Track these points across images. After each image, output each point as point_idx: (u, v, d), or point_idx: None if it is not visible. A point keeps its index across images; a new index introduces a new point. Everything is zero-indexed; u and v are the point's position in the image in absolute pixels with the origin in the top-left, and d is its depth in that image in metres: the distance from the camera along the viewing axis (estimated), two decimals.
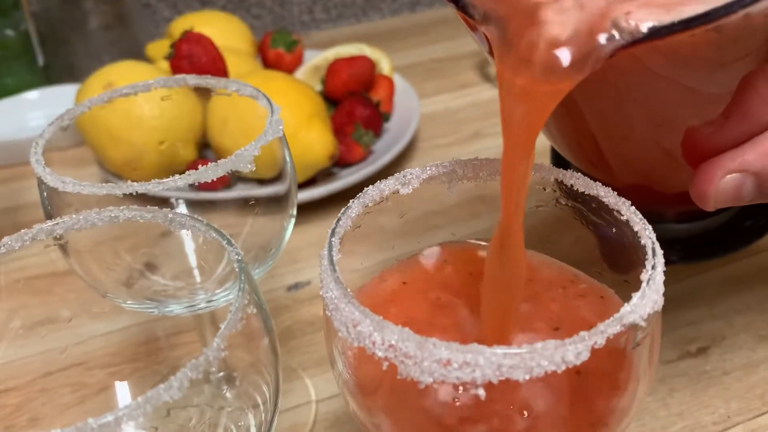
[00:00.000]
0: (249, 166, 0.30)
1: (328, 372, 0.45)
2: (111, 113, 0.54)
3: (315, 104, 0.57)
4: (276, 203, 0.35)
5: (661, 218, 0.39)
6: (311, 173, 0.58)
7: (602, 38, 0.22)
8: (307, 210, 0.57)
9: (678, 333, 0.45)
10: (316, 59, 0.70)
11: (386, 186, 0.27)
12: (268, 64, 0.69)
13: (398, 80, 0.69)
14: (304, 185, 0.58)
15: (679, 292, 0.47)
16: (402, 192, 0.28)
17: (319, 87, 0.66)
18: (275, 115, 0.33)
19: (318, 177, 0.59)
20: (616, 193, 0.26)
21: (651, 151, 0.31)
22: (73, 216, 0.26)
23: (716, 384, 0.41)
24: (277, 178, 0.34)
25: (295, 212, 0.36)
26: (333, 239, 0.25)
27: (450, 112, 0.71)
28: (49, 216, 0.33)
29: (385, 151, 0.61)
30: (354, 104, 0.61)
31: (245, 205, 0.35)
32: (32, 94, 0.69)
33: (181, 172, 0.57)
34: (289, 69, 0.69)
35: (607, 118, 0.30)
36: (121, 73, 0.56)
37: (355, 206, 0.26)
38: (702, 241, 0.41)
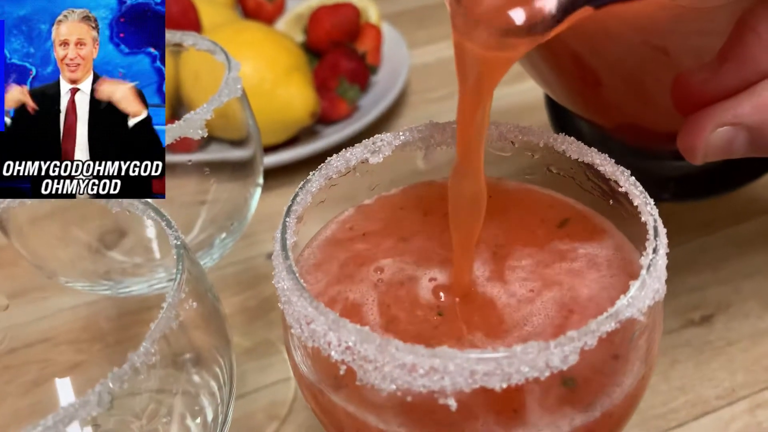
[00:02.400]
0: (200, 132, 0.27)
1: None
2: None
3: (294, 57, 0.54)
4: (240, 170, 0.32)
5: (657, 155, 0.37)
6: (292, 132, 0.55)
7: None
8: (289, 171, 0.53)
9: (680, 300, 0.42)
10: (298, 8, 0.66)
11: (353, 155, 0.24)
12: (247, 13, 0.65)
13: (386, 29, 0.65)
14: (284, 145, 0.55)
15: (682, 256, 0.44)
16: (372, 161, 0.24)
17: (301, 38, 0.62)
18: (233, 73, 0.29)
19: (300, 136, 0.55)
20: (614, 161, 0.23)
21: (642, 95, 0.28)
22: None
23: (720, 355, 0.39)
24: (239, 143, 0.31)
25: (261, 181, 0.33)
26: (288, 219, 0.22)
27: (442, 63, 0.66)
28: None
29: (372, 106, 0.57)
30: (338, 56, 0.57)
31: (207, 171, 0.32)
32: None
33: None
34: (270, 19, 0.65)
35: (601, 61, 0.27)
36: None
37: (315, 179, 0.23)
38: (697, 180, 0.39)
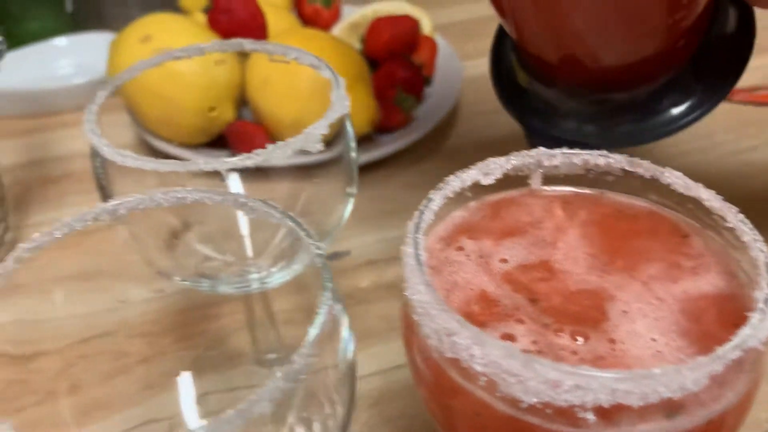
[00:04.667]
0: (317, 146, 0.28)
1: (371, 348, 0.44)
2: (150, 70, 0.52)
3: (358, 66, 0.55)
4: (334, 178, 0.33)
5: (593, 92, 0.39)
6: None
7: None
8: None
9: None
10: (353, 16, 0.68)
11: (468, 176, 0.26)
12: (304, 19, 0.66)
13: (439, 41, 0.66)
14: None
15: None
16: (483, 182, 0.26)
17: (357, 46, 0.63)
18: (341, 90, 0.31)
19: (358, 143, 0.57)
20: (722, 198, 0.24)
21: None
22: (139, 196, 0.25)
23: None
24: (335, 152, 0.33)
25: (354, 191, 0.34)
26: (417, 236, 0.23)
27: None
28: (101, 186, 0.31)
29: (426, 117, 0.59)
30: (395, 66, 0.59)
31: (302, 178, 0.33)
32: (61, 41, 0.67)
33: (220, 133, 0.56)
34: (326, 25, 0.67)
35: None
36: (159, 25, 0.53)
37: (437, 199, 0.25)
38: (625, 111, 0.39)
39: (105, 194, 0.31)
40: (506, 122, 0.62)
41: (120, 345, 0.44)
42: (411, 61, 0.60)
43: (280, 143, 0.28)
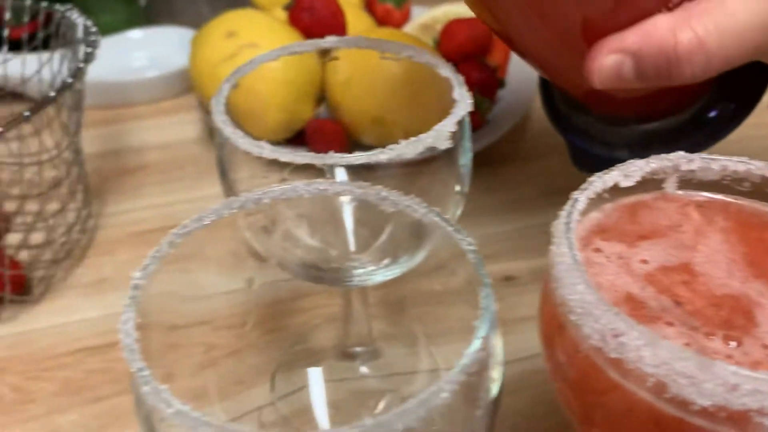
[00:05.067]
0: (446, 143, 0.28)
1: (455, 344, 0.44)
2: (233, 68, 0.53)
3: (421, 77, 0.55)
4: (443, 180, 0.33)
5: (624, 121, 0.41)
6: None
7: None
8: None
9: None
10: (423, 17, 0.68)
11: (610, 178, 0.26)
12: (376, 19, 0.67)
13: None
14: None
15: None
16: (623, 185, 0.26)
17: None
18: (463, 88, 0.31)
19: None
20: None
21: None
22: (282, 186, 0.25)
23: None
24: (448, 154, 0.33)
25: (464, 190, 0.34)
26: (570, 236, 0.23)
27: None
28: (225, 175, 0.32)
29: (499, 120, 0.59)
30: (470, 69, 0.59)
31: (409, 176, 0.33)
32: (135, 33, 0.67)
33: (300, 129, 0.56)
34: (397, 26, 0.67)
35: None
36: (242, 22, 0.54)
37: (582, 198, 0.25)
38: (657, 138, 0.41)
39: (228, 184, 0.31)
40: None
41: (208, 336, 0.45)
42: (486, 63, 0.60)
43: (412, 139, 0.28)
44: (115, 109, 0.65)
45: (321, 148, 0.51)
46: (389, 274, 0.33)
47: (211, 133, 0.61)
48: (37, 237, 0.49)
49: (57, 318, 0.47)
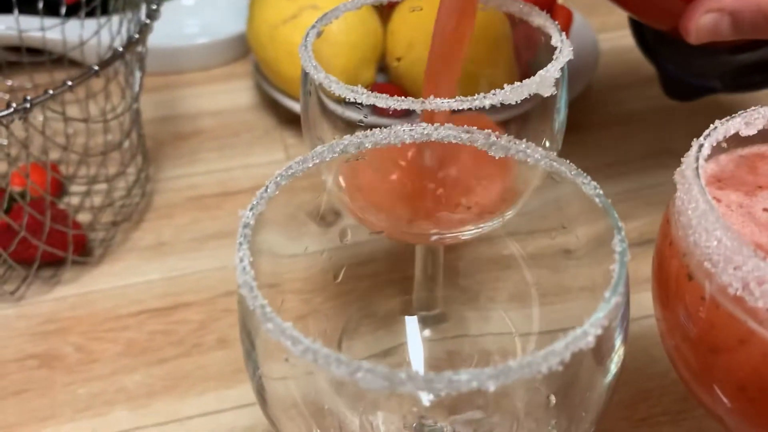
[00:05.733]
0: (551, 89, 0.27)
1: (524, 309, 0.43)
2: (293, 30, 0.52)
3: (502, 25, 0.53)
4: (536, 136, 0.32)
5: (715, 50, 0.41)
6: None
7: None
8: None
9: None
10: None
11: (732, 125, 0.24)
12: None
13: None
14: None
15: None
16: (743, 133, 0.24)
17: None
18: (563, 35, 0.30)
19: None
20: None
21: None
22: (384, 131, 0.24)
23: None
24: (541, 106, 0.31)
25: (558, 147, 0.33)
26: (699, 181, 0.22)
27: (619, 52, 0.66)
28: (310, 124, 0.30)
29: None
30: (532, 32, 0.57)
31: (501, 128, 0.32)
32: (188, 0, 0.66)
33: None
34: None
35: None
36: None
37: (706, 145, 0.23)
38: (751, 70, 0.43)
39: (313, 132, 0.30)
40: (640, 96, 0.60)
41: (272, 301, 0.44)
42: None
43: (516, 84, 0.27)
44: (166, 76, 0.64)
45: (381, 112, 0.50)
46: (478, 229, 0.32)
47: (266, 98, 0.60)
48: (96, 199, 0.49)
49: (118, 280, 0.46)
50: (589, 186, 0.21)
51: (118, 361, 0.41)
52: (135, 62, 0.44)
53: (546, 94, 0.27)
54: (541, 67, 0.30)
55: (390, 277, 0.45)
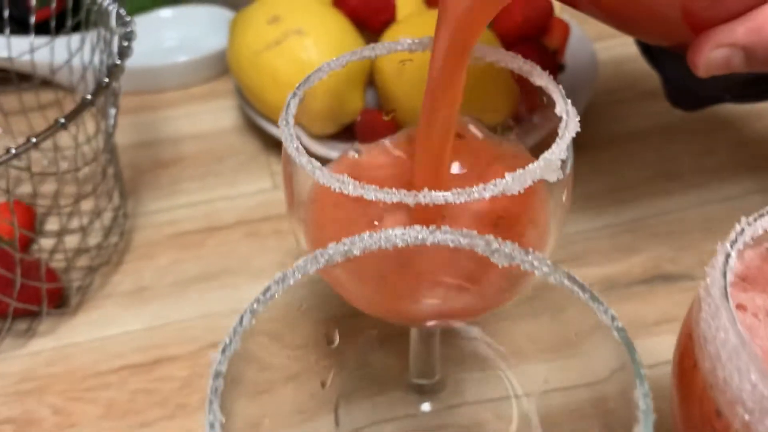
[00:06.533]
0: (557, 173, 0.25)
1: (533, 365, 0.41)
2: (277, 56, 0.49)
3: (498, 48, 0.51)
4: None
5: None
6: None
7: None
8: None
9: None
10: None
11: (760, 225, 0.22)
12: (428, 3, 0.62)
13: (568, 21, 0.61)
14: None
15: None
16: None
17: None
18: (569, 103, 0.27)
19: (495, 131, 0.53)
20: None
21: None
22: (373, 234, 0.21)
23: None
24: None
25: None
26: (729, 306, 0.19)
27: (619, 62, 0.63)
28: (297, 207, 0.28)
29: None
30: (529, 52, 0.54)
31: None
32: (166, 12, 0.63)
33: (349, 122, 0.52)
34: None
35: None
36: (286, 6, 0.50)
37: (734, 254, 0.21)
38: (759, 80, 0.41)
39: (299, 217, 0.28)
40: (641, 112, 0.57)
41: (255, 353, 0.41)
42: (544, 45, 0.56)
43: (519, 171, 0.24)
44: (143, 95, 0.61)
45: (372, 140, 0.48)
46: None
47: (250, 119, 0.57)
48: (71, 240, 0.46)
49: (96, 331, 0.44)
50: (606, 315, 0.19)
51: (98, 424, 0.39)
52: (108, 103, 0.42)
53: (552, 179, 0.25)
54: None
55: (387, 332, 0.42)
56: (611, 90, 0.60)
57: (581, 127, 0.55)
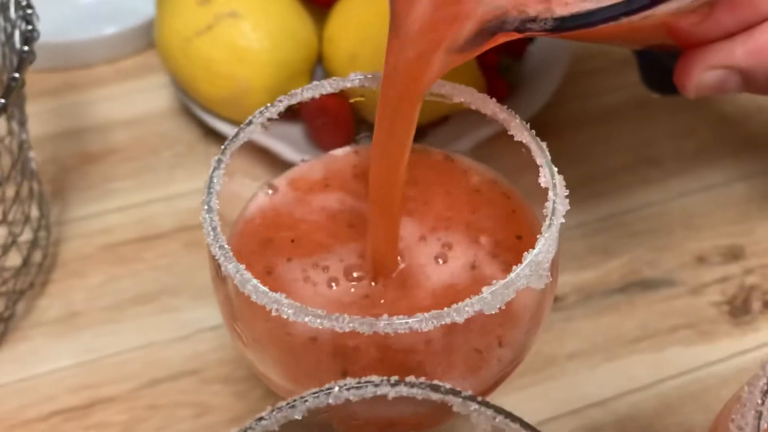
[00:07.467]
0: (546, 279, 0.20)
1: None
2: (210, 44, 0.43)
3: None
4: None
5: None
6: (445, 112, 0.47)
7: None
8: None
9: None
10: None
11: None
12: None
13: None
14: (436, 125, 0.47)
15: None
16: None
17: None
18: (560, 179, 0.23)
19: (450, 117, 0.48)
20: None
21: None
22: (328, 389, 0.17)
23: None
24: None
25: None
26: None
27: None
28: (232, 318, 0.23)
29: (529, 84, 0.49)
30: None
31: None
32: None
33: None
34: None
35: None
36: None
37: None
38: None
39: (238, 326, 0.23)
40: (616, 85, 0.53)
41: (197, 393, 0.38)
42: None
43: (500, 283, 0.20)
44: (64, 72, 0.54)
45: (323, 128, 0.42)
46: None
47: (184, 104, 0.51)
48: None
49: (23, 369, 0.39)
50: None
51: None
52: (21, 104, 0.36)
53: (539, 287, 0.20)
54: None
55: None
56: (583, 57, 0.55)
57: (552, 102, 0.50)
